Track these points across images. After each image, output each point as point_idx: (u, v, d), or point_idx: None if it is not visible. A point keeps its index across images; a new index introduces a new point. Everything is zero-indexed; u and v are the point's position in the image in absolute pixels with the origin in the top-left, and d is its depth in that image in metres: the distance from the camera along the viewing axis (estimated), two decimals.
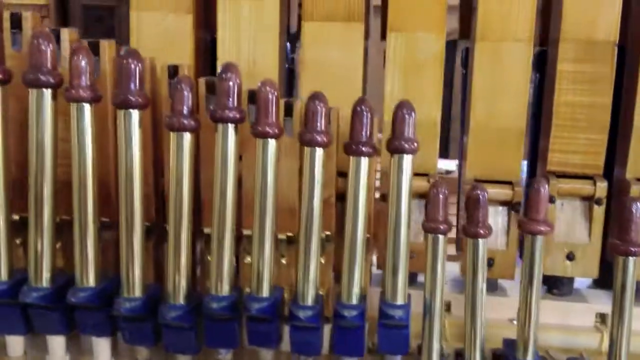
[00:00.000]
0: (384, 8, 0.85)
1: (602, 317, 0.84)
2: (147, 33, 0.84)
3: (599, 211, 0.81)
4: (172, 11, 0.84)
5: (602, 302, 0.85)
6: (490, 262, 0.81)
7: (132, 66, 0.66)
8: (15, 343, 0.73)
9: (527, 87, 0.82)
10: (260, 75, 0.75)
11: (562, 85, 0.81)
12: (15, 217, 0.73)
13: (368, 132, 0.68)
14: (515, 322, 0.76)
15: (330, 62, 0.83)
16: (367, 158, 0.68)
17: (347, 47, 0.83)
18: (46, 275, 0.70)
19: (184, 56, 0.83)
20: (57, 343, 0.72)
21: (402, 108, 0.68)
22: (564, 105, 0.81)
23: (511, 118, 0.81)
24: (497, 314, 0.84)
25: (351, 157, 0.69)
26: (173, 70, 0.76)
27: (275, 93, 0.68)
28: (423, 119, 0.78)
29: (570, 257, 0.81)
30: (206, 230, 0.77)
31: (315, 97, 0.67)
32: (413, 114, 0.68)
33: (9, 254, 0.71)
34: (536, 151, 0.88)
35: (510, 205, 0.82)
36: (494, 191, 0.80)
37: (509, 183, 0.82)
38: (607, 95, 0.80)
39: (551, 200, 0.79)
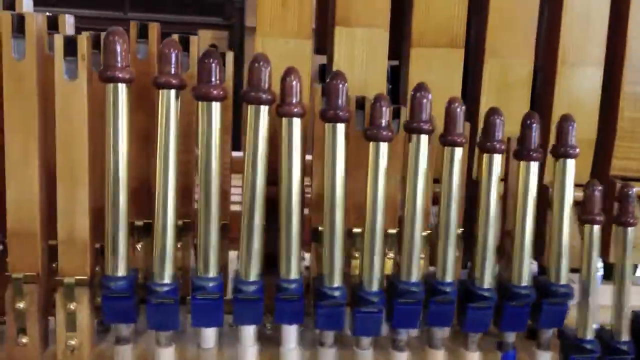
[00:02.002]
0: (479, 36, 0.98)
1: None
2: (271, 56, 0.92)
3: None
4: (293, 37, 0.93)
5: None
6: None
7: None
8: (209, 335, 0.78)
9: (598, 105, 0.98)
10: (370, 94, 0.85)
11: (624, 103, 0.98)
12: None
13: (537, 141, 0.80)
14: None
15: (433, 84, 0.94)
16: (537, 163, 0.80)
17: (448, 70, 0.95)
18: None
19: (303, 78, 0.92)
20: (247, 332, 0.78)
21: (566, 120, 0.81)
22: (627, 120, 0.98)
23: (585, 132, 0.97)
24: None
25: (521, 162, 0.81)
26: None
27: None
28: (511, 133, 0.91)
29: None
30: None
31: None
32: (575, 124, 0.81)
33: (218, 254, 0.76)
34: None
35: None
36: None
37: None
38: None
39: None
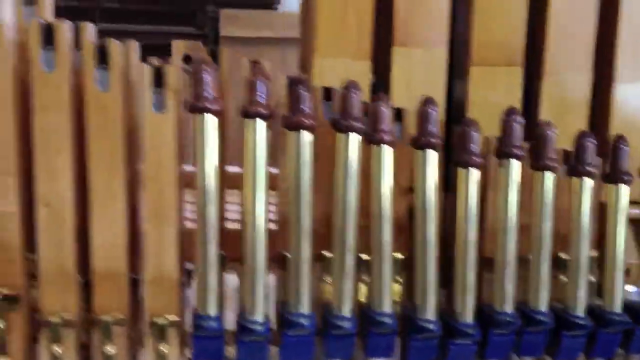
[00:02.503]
0: (536, 53, 0.97)
1: None
2: (329, 77, 0.90)
3: None
4: (351, 58, 0.91)
5: None
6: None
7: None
8: None
9: None
10: None
11: None
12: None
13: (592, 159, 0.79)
14: None
15: (492, 102, 0.94)
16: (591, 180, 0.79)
17: (508, 89, 0.94)
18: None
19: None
20: None
21: (620, 140, 0.81)
22: None
23: None
24: None
25: (573, 178, 0.80)
26: None
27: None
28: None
29: None
30: None
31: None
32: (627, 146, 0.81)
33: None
34: None
35: None
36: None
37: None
38: None
39: None
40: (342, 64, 0.90)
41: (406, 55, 0.92)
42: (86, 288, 0.72)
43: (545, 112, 0.95)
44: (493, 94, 0.93)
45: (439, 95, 0.93)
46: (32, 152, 0.69)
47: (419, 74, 0.92)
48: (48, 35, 0.67)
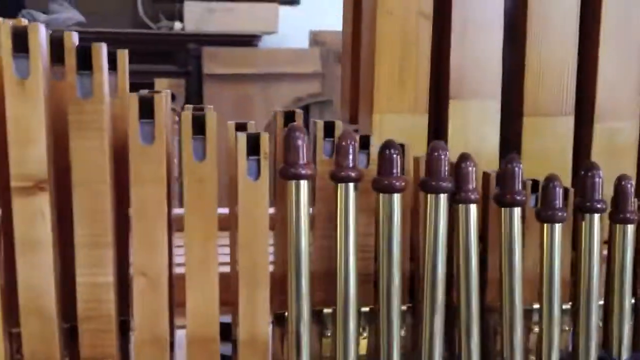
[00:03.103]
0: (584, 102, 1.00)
1: None
2: (387, 132, 0.92)
3: None
4: (410, 113, 0.93)
5: None
6: None
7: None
8: None
9: None
10: (483, 164, 0.85)
11: None
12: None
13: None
14: None
15: (546, 150, 0.96)
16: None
17: (559, 138, 0.97)
18: None
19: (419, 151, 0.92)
20: None
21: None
22: None
23: None
24: None
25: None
26: None
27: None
28: None
29: None
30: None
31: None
32: None
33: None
34: None
35: None
36: None
37: None
38: None
39: None
40: (400, 119, 0.92)
41: (461, 107, 0.94)
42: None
43: (595, 159, 0.97)
44: (545, 143, 0.96)
45: (494, 147, 0.95)
46: (128, 224, 0.69)
47: (474, 125, 0.95)
48: (146, 109, 0.67)
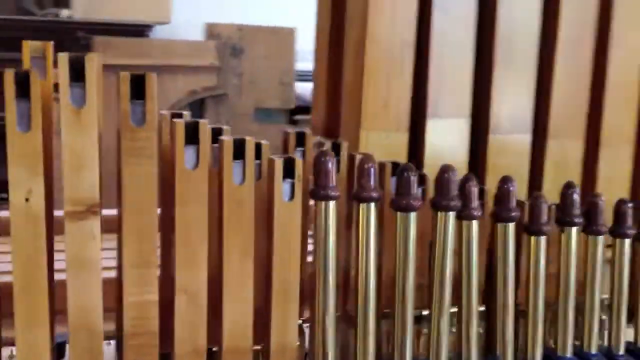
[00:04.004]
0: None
1: None
2: (373, 147, 0.99)
3: None
4: (393, 130, 1.01)
5: None
6: None
7: None
8: None
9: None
10: None
11: None
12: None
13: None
14: None
15: (508, 165, 1.07)
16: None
17: (519, 154, 1.08)
18: None
19: None
20: None
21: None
22: None
23: None
24: None
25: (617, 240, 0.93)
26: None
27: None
28: None
29: None
30: None
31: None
32: None
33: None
34: None
35: None
36: None
37: None
38: None
39: None
40: (384, 136, 1.00)
41: (437, 126, 1.03)
42: None
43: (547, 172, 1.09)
44: (508, 159, 1.06)
45: (463, 159, 1.05)
46: (171, 244, 0.74)
47: (447, 141, 1.04)
48: (192, 134, 0.72)
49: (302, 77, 3.77)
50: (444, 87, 1.03)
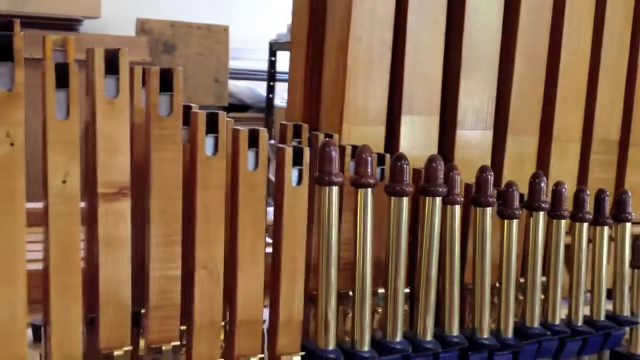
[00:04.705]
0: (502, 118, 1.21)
1: None
2: (354, 140, 1.07)
3: None
4: (372, 124, 1.10)
5: None
6: None
7: None
8: None
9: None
10: None
11: None
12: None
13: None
14: None
15: (473, 158, 1.17)
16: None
17: (483, 148, 1.18)
18: None
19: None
20: None
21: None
22: None
23: None
24: None
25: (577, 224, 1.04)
26: None
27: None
28: None
29: None
30: None
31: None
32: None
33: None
34: None
35: None
36: None
37: None
38: None
39: None
40: (364, 129, 1.09)
41: (410, 122, 1.12)
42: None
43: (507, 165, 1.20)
44: (473, 153, 1.16)
45: (432, 152, 1.14)
46: (193, 224, 0.80)
47: (420, 136, 1.13)
48: (212, 125, 0.78)
49: (236, 75, 3.83)
50: (417, 86, 1.12)
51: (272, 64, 3.32)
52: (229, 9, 4.12)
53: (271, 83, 3.34)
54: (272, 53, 3.33)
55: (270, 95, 3.34)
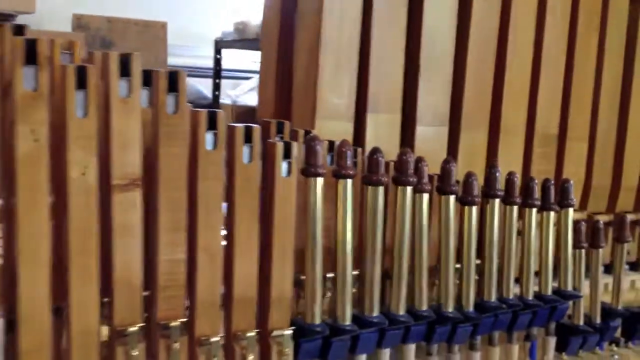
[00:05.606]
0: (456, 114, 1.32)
1: None
2: (325, 135, 1.17)
3: None
4: (342, 120, 1.20)
5: None
6: None
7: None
8: None
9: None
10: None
11: None
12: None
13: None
14: None
15: (434, 154, 1.28)
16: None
17: (439, 143, 1.29)
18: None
19: None
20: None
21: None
22: None
23: None
24: None
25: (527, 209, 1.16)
26: None
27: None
28: None
29: None
30: None
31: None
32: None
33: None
34: None
35: None
36: None
37: None
38: None
39: None
40: (334, 125, 1.19)
41: (376, 119, 1.22)
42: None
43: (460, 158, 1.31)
44: (432, 146, 1.28)
45: (395, 149, 1.25)
46: (194, 212, 0.89)
47: (384, 133, 1.24)
48: (212, 121, 0.87)
49: None
50: (381, 85, 1.22)
51: (217, 61, 3.38)
52: (167, 5, 4.15)
53: (217, 80, 3.40)
54: (218, 51, 3.38)
55: (216, 93, 3.40)
